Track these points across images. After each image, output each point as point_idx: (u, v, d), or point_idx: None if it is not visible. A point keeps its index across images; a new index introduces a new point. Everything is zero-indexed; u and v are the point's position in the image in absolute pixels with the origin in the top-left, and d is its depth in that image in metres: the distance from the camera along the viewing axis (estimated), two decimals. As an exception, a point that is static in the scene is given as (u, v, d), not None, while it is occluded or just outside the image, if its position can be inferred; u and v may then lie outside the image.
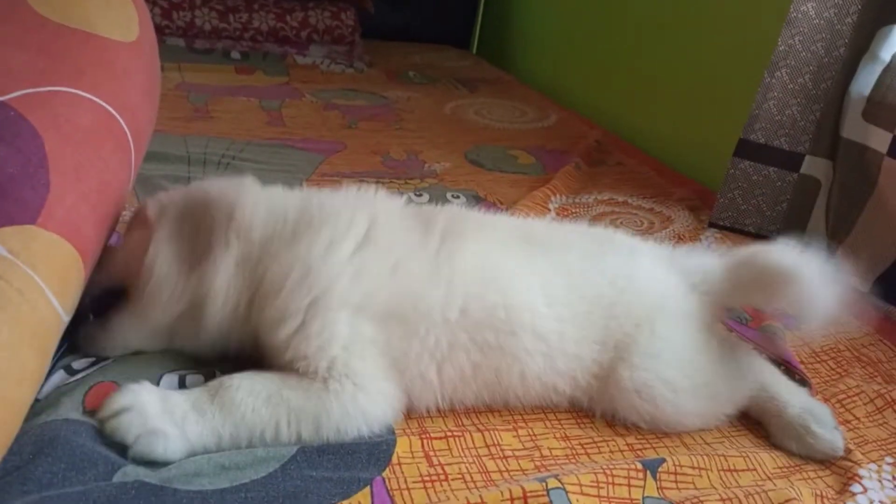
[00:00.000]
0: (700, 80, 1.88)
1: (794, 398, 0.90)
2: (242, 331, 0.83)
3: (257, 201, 0.85)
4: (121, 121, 0.95)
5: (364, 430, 0.78)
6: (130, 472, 0.69)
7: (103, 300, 0.84)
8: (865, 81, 1.31)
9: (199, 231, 0.82)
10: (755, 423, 0.92)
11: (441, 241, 0.86)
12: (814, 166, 1.42)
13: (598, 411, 0.88)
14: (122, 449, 0.71)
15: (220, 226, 0.81)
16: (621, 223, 1.47)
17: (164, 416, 0.72)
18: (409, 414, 0.85)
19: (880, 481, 0.83)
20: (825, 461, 0.86)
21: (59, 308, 0.71)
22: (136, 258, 0.82)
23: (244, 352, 0.85)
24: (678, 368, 0.87)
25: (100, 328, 0.84)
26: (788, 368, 1.01)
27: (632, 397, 0.86)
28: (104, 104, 0.93)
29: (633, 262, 0.93)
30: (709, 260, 0.98)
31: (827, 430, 0.86)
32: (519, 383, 0.85)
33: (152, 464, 0.70)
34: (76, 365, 0.82)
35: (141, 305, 0.82)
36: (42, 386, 0.77)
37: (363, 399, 0.77)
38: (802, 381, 0.99)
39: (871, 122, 1.29)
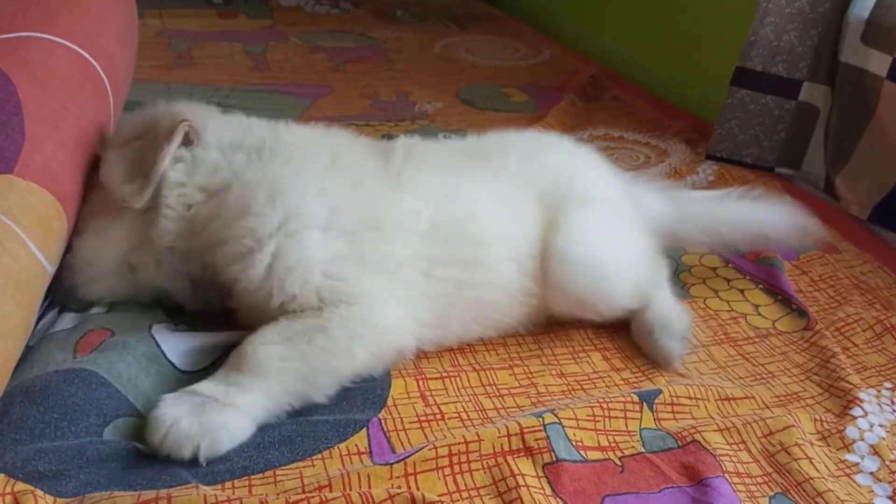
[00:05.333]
0: (695, 9, 1.83)
1: (656, 304, 0.92)
2: (203, 256, 0.81)
3: (211, 114, 0.89)
4: (97, 66, 0.92)
5: (380, 341, 0.77)
6: (121, 426, 0.69)
7: None
8: (864, 3, 1.27)
9: (147, 143, 0.81)
10: (751, 354, 0.92)
11: (402, 166, 0.90)
12: (812, 93, 1.38)
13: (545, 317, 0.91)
14: (115, 398, 0.70)
15: (166, 132, 0.80)
16: (617, 158, 1.44)
17: (204, 412, 0.67)
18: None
19: (879, 405, 0.83)
20: (822, 391, 0.86)
21: (42, 258, 0.70)
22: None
23: (216, 301, 0.83)
24: (597, 241, 0.89)
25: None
26: (786, 298, 1.01)
27: (554, 268, 0.86)
28: (79, 49, 0.90)
29: (572, 155, 1.01)
30: (659, 203, 1.04)
31: (669, 339, 0.88)
32: (502, 295, 0.87)
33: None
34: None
35: (97, 222, 0.82)
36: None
37: (359, 313, 0.76)
38: (801, 312, 0.98)
39: (870, 45, 1.25)
